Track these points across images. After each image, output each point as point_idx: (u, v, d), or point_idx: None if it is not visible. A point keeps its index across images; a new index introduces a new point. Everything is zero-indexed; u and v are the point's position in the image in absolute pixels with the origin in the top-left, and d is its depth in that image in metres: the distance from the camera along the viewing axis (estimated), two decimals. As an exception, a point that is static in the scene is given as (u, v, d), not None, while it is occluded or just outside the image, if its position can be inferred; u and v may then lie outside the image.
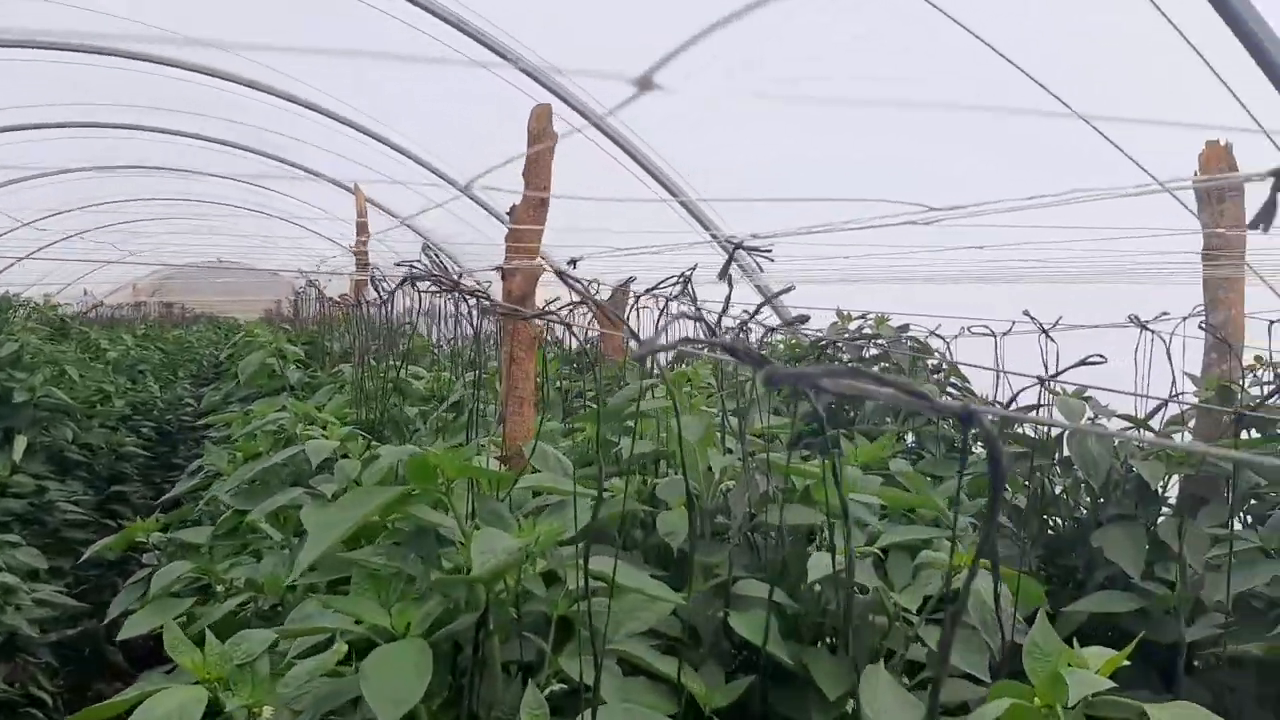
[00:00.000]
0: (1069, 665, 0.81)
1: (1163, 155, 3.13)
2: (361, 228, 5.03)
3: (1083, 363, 1.35)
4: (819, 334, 4.06)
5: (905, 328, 3.81)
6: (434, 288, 1.55)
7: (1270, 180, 0.68)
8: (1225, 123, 3.04)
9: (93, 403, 5.72)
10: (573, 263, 2.51)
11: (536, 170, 1.99)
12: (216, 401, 4.86)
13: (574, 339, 5.64)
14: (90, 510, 5.18)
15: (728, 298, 1.40)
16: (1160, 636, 2.31)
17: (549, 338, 6.11)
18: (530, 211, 1.98)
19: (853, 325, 4.01)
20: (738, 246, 1.22)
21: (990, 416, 0.54)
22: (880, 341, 3.83)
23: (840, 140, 4.47)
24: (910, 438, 3.61)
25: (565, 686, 1.48)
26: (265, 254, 10.76)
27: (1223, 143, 2.68)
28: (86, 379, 5.72)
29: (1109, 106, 3.40)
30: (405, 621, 1.29)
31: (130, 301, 14.86)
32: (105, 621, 2.54)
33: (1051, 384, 1.73)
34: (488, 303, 1.44)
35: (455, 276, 1.53)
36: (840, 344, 4.00)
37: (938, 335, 3.64)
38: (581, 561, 1.38)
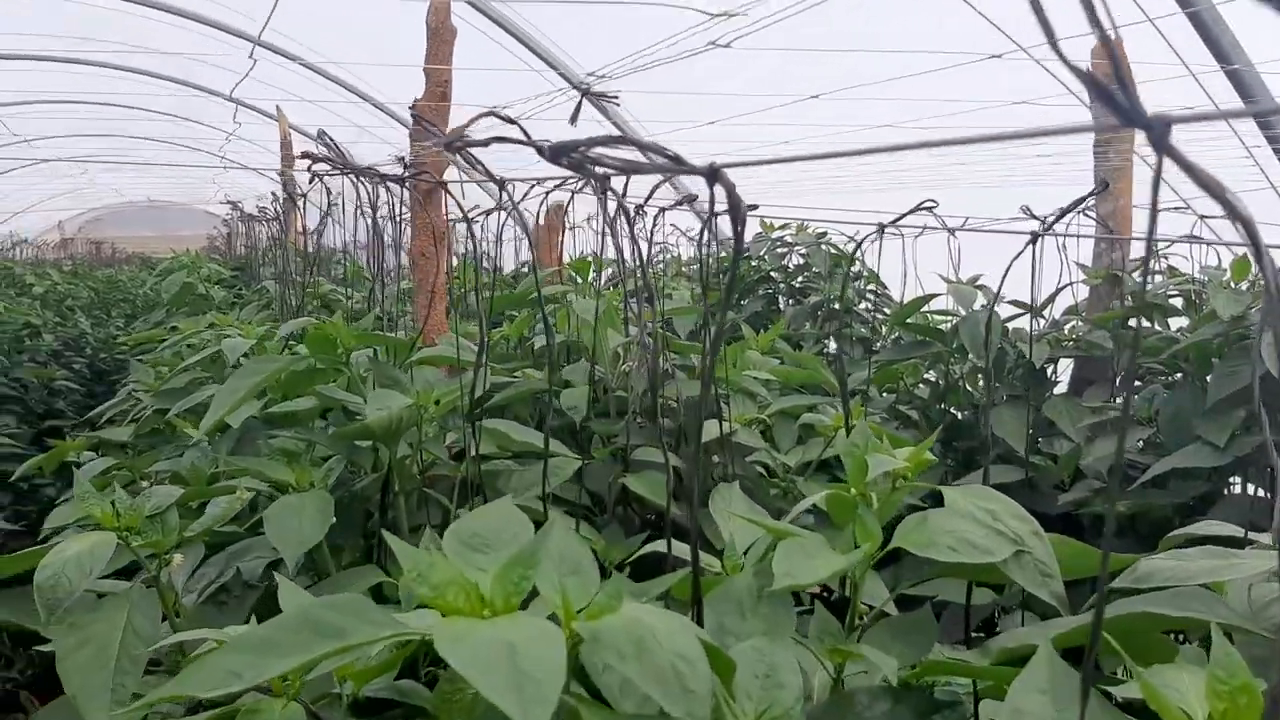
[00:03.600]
0: (875, 453, 0.91)
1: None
2: (286, 152, 4.98)
3: (919, 207, 1.45)
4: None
5: (824, 234, 3.92)
6: (333, 170, 1.60)
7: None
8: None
9: (20, 337, 5.65)
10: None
11: (436, 63, 2.02)
12: (147, 329, 4.84)
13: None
14: (26, 445, 5.15)
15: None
16: (1047, 508, 2.47)
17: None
18: (433, 105, 2.02)
19: (774, 235, 4.11)
20: (585, 92, 1.28)
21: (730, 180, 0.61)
22: (801, 250, 3.93)
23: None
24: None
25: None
26: (195, 189, 10.55)
27: (1114, 36, 2.79)
28: (12, 311, 5.64)
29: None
30: (308, 479, 1.37)
31: (55, 240, 14.48)
32: (40, 539, 2.59)
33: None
34: (380, 179, 1.49)
35: (349, 160, 1.58)
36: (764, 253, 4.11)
37: (854, 240, 3.75)
38: (477, 425, 1.47)
